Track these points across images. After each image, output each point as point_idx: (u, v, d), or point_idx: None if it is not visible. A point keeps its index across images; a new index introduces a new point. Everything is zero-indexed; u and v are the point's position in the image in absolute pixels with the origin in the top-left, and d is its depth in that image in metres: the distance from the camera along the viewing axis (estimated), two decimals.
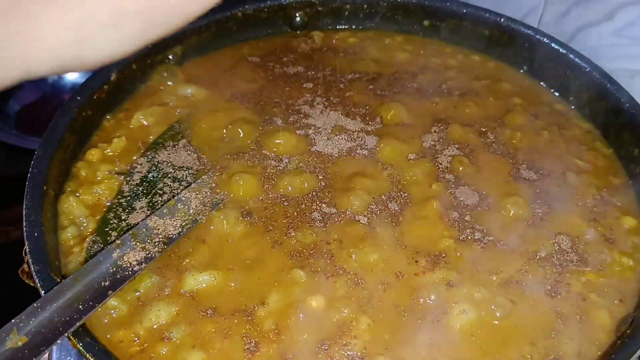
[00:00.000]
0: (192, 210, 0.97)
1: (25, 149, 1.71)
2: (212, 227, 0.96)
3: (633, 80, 1.21)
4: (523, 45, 1.28)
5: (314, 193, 1.02)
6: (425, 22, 1.37)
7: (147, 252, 0.89)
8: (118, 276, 0.85)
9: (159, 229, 0.92)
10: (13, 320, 0.73)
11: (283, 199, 1.01)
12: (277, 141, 1.10)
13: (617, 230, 1.02)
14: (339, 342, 0.84)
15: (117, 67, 1.16)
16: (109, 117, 1.16)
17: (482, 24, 1.32)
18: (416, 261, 0.93)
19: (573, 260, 0.96)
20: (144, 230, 0.92)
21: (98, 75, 1.14)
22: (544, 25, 1.42)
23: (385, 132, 1.13)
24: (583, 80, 1.20)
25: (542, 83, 1.28)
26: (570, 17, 1.36)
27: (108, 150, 1.09)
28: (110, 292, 0.82)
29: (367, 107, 1.19)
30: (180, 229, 0.94)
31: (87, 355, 0.75)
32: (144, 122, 1.15)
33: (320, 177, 1.05)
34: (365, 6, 1.38)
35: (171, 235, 0.92)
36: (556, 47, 1.24)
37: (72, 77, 1.93)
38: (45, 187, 0.95)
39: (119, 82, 1.17)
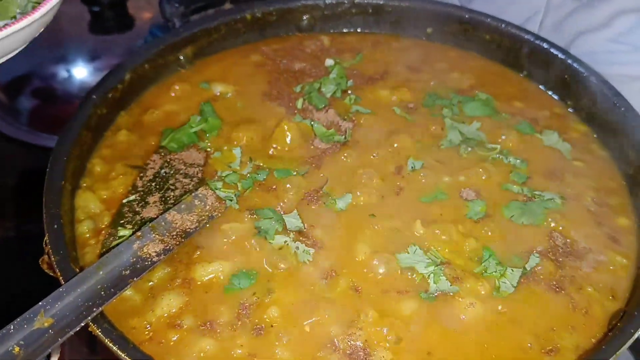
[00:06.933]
0: (208, 207, 1.01)
1: (36, 145, 1.75)
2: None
3: (629, 85, 1.24)
4: (523, 50, 1.32)
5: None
6: (428, 30, 1.41)
7: (166, 245, 0.93)
8: (138, 266, 0.89)
9: (177, 223, 0.97)
10: (40, 303, 0.78)
11: None
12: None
13: (614, 230, 1.06)
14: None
15: (130, 67, 1.20)
16: (122, 115, 1.20)
17: (485, 30, 1.36)
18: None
19: (569, 257, 1.00)
20: (163, 223, 0.96)
21: (112, 74, 1.19)
22: (544, 31, 1.46)
23: None
24: (581, 85, 1.24)
25: (541, 87, 1.32)
26: (570, 23, 1.39)
27: (121, 147, 1.14)
28: (130, 280, 0.87)
29: None
30: (197, 224, 0.98)
31: (106, 340, 0.79)
32: (156, 119, 1.19)
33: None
34: (370, 10, 1.42)
35: (188, 230, 0.97)
36: (555, 52, 1.28)
37: (81, 76, 1.97)
38: (63, 182, 1.00)
39: (132, 81, 1.21)
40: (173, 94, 1.25)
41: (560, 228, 1.04)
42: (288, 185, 1.06)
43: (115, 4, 1.85)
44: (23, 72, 1.82)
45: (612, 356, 0.82)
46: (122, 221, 1.00)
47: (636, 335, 0.84)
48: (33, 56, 1.83)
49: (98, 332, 0.81)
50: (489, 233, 1.02)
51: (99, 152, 1.13)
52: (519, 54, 1.33)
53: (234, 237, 0.99)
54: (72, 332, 0.77)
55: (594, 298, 0.95)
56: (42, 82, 1.89)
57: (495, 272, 0.96)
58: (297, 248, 0.97)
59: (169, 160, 1.10)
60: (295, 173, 1.09)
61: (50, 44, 1.84)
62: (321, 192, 1.06)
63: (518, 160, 1.14)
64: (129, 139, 1.15)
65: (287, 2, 1.39)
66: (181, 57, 1.30)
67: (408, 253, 0.97)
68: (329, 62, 1.33)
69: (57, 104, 1.92)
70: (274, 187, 1.07)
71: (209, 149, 1.13)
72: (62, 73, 1.84)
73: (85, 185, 1.07)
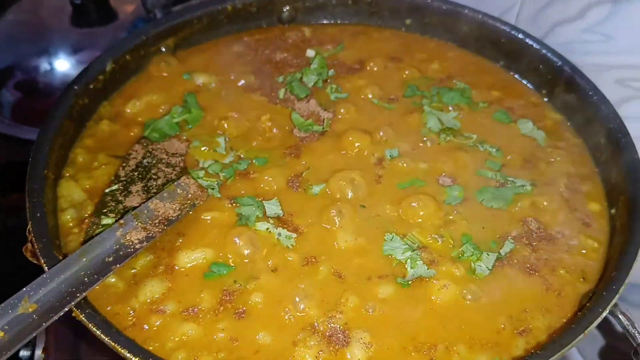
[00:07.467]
0: (190, 195, 1.03)
1: (20, 138, 1.74)
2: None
3: (603, 74, 1.27)
4: (500, 40, 1.35)
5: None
6: (407, 21, 1.43)
7: (149, 232, 0.95)
8: (121, 253, 0.91)
9: (159, 211, 0.98)
10: (24, 289, 0.79)
11: None
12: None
13: (586, 214, 1.09)
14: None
15: (112, 57, 1.21)
16: (104, 105, 1.21)
17: (463, 21, 1.38)
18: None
19: (543, 241, 1.03)
20: (146, 212, 0.98)
21: (94, 65, 1.19)
22: (521, 22, 1.48)
23: None
24: (555, 74, 1.27)
25: (517, 76, 1.35)
26: (546, 14, 1.42)
27: (104, 137, 1.15)
28: (113, 267, 0.88)
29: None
30: (179, 212, 1.00)
31: (90, 325, 0.81)
32: (138, 110, 1.20)
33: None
34: (350, 2, 1.43)
35: (171, 217, 0.98)
36: (530, 42, 1.31)
37: (63, 69, 1.97)
38: (45, 171, 1.01)
39: (114, 72, 1.22)
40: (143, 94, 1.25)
41: (535, 213, 1.07)
42: (268, 174, 1.08)
43: None
44: (5, 65, 1.82)
45: (581, 334, 0.85)
46: (105, 210, 1.01)
47: (604, 315, 0.87)
48: (15, 49, 1.83)
49: (82, 317, 0.82)
50: (466, 218, 1.05)
51: (81, 142, 1.14)
52: (496, 44, 1.36)
53: (215, 225, 1.01)
54: (56, 317, 0.78)
55: (566, 280, 0.99)
56: (25, 75, 1.89)
57: (472, 255, 0.98)
58: (280, 234, 0.99)
59: (151, 150, 1.12)
60: (275, 161, 1.11)
61: (33, 37, 1.84)
62: (300, 178, 1.08)
63: (494, 149, 1.16)
64: (111, 128, 1.16)
65: None
66: (163, 48, 1.31)
67: (385, 240, 1.00)
68: (310, 52, 1.35)
69: (40, 97, 1.92)
70: (255, 176, 1.09)
71: (191, 139, 1.15)
72: (44, 66, 1.84)
73: (68, 174, 1.08)
